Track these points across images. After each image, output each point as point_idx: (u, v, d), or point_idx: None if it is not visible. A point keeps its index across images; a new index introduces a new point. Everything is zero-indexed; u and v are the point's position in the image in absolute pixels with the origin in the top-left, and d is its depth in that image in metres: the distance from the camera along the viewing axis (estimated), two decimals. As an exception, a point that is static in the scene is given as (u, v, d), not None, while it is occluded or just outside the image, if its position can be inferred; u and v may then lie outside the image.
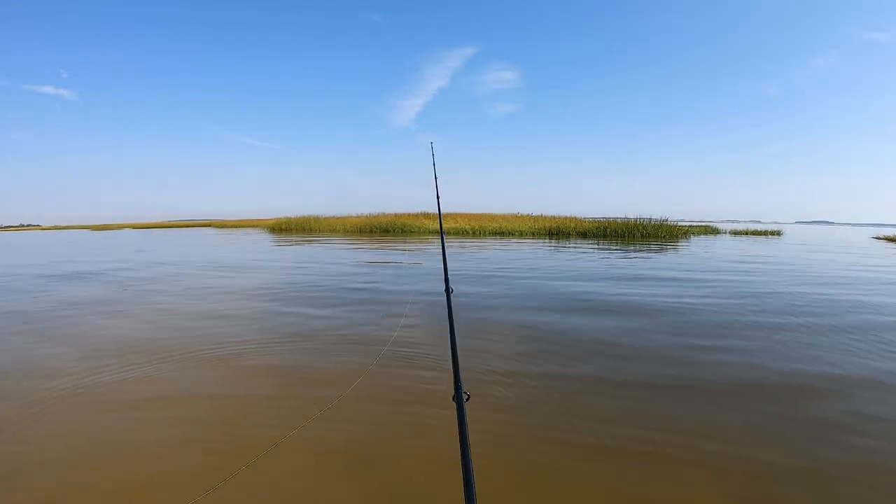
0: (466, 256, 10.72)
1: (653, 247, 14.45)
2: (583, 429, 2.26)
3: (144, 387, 2.80)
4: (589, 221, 24.65)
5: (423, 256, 10.87)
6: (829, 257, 11.54)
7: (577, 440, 2.16)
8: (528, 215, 26.62)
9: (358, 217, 27.18)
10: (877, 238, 25.73)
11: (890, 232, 28.51)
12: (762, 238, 23.10)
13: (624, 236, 21.32)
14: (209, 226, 45.98)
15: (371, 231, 23.88)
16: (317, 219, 27.61)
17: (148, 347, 3.58)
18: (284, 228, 28.33)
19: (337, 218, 27.59)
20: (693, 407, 2.46)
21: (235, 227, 38.90)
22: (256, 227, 35.55)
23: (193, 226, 51.91)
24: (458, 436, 0.80)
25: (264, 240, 19.01)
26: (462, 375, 0.99)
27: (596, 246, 14.43)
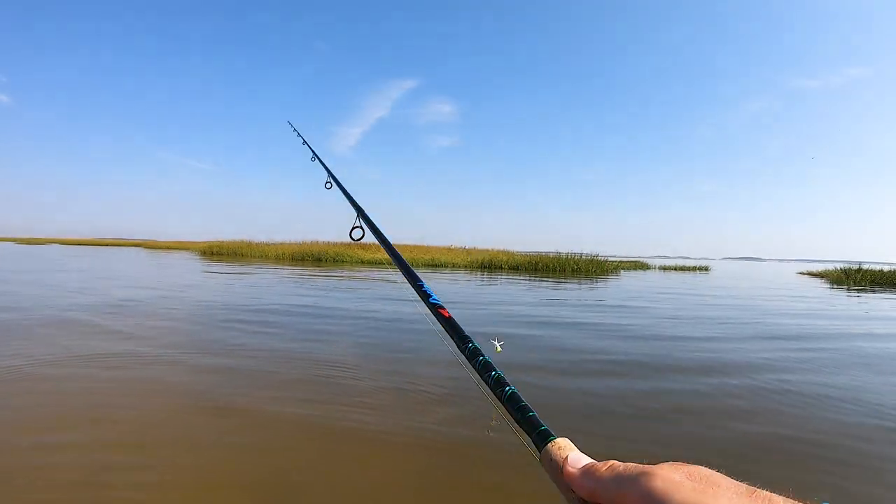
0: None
1: (578, 283, 15.20)
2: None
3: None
4: (521, 255, 25.38)
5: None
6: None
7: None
8: (461, 248, 27.39)
9: (291, 244, 26.92)
10: (801, 273, 28.17)
11: (814, 267, 30.21)
12: (690, 273, 24.38)
13: (555, 270, 21.75)
14: (140, 246, 43.61)
15: (303, 259, 23.70)
16: (249, 244, 27.10)
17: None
18: (216, 253, 27.54)
19: (269, 244, 27.21)
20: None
21: (166, 248, 37.18)
22: (188, 249, 34.18)
23: (124, 245, 49.04)
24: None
25: (195, 269, 18.37)
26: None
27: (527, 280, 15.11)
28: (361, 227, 1.24)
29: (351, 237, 1.24)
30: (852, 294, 13.83)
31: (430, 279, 14.30)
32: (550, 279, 16.39)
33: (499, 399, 0.49)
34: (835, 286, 17.31)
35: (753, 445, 2.52)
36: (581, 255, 23.60)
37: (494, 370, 0.52)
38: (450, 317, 0.66)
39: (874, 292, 14.87)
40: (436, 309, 0.68)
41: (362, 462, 2.23)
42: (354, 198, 1.38)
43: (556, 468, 0.38)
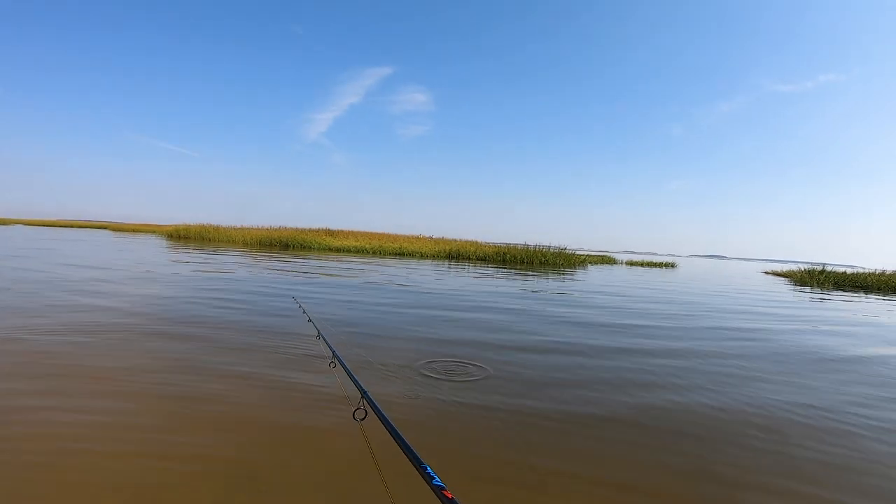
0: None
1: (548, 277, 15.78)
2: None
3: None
4: (489, 246, 25.52)
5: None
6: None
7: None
8: (428, 237, 27.90)
9: (258, 229, 26.97)
10: (765, 272, 29.26)
11: (778, 267, 31.36)
12: (657, 270, 24.84)
13: (523, 262, 21.91)
14: (105, 228, 42.64)
15: (271, 245, 23.89)
16: (216, 228, 26.98)
17: None
18: (182, 236, 27.37)
19: (236, 229, 27.19)
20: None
21: (133, 231, 36.56)
22: (154, 232, 33.76)
23: (89, 227, 47.72)
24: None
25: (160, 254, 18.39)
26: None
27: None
28: (364, 409, 1.40)
29: (354, 417, 1.42)
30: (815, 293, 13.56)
31: (396, 268, 14.93)
32: (517, 270, 17.03)
33: None
34: (797, 286, 17.35)
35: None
36: (549, 247, 24.06)
37: None
38: (452, 497, 0.75)
39: (828, 294, 14.21)
40: (439, 490, 0.79)
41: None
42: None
43: None
